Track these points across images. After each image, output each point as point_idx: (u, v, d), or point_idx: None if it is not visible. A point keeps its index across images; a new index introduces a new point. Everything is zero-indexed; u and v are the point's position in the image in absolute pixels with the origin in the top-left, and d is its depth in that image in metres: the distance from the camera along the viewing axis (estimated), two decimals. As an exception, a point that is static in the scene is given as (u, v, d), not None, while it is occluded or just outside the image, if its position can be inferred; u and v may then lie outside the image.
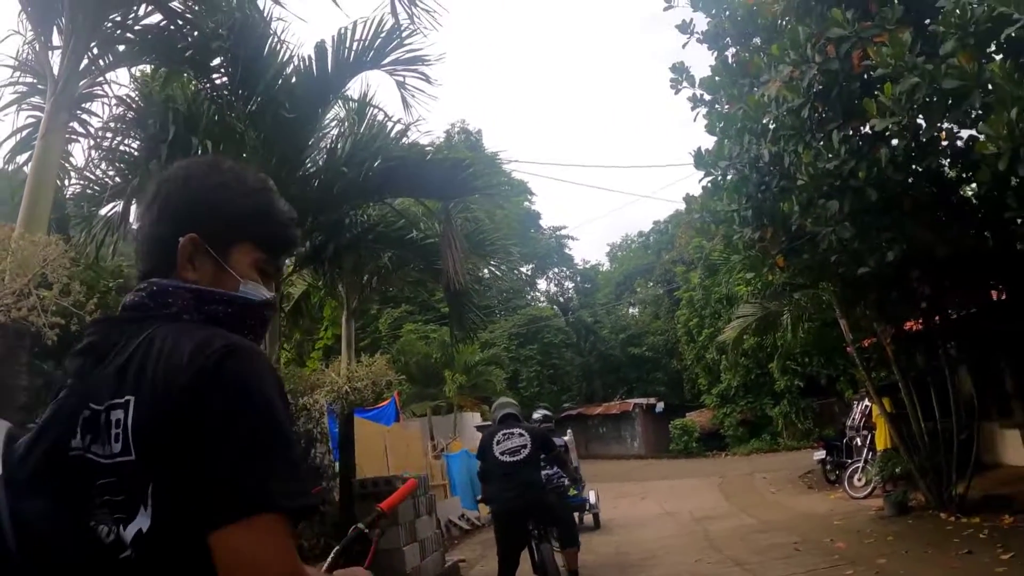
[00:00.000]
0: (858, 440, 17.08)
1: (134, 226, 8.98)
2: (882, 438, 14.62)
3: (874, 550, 10.26)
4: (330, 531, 11.40)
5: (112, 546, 1.35)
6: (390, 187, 8.55)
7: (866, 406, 16.99)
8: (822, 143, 8.21)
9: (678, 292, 39.47)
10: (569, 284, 53.23)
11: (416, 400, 27.94)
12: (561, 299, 51.48)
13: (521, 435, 7.84)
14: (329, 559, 2.59)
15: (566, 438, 16.69)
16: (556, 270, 51.98)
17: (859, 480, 15.82)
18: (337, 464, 10.69)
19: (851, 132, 8.24)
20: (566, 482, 9.86)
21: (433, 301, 38.85)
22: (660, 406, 41.16)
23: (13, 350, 4.62)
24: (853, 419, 18.12)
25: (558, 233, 51.17)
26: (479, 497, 9.21)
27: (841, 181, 8.09)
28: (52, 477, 1.38)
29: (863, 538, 11.23)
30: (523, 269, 48.93)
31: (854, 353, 13.55)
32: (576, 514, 14.88)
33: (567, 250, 51.95)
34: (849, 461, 17.32)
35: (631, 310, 55.38)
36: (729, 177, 9.24)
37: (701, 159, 9.24)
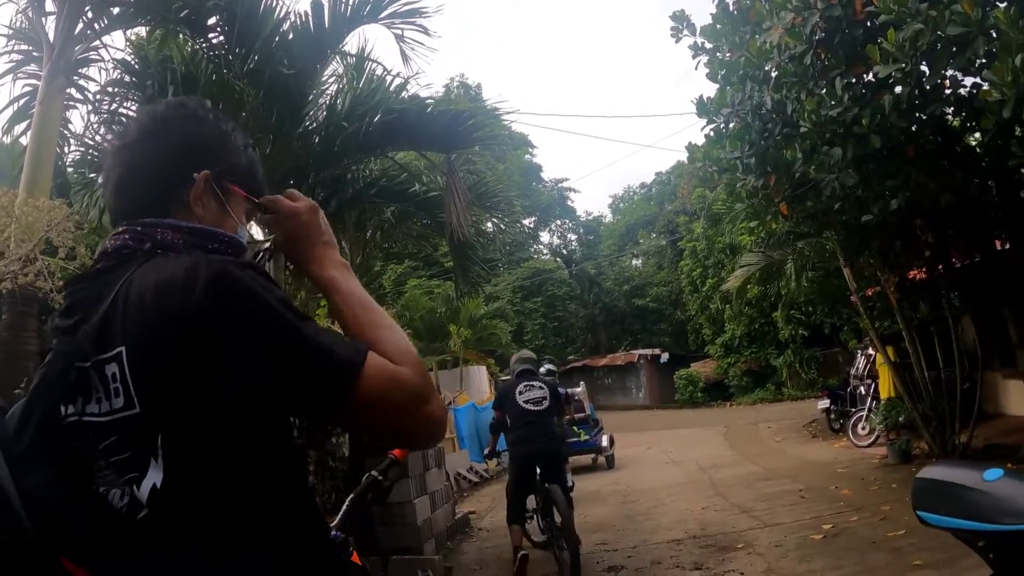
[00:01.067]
0: (862, 389, 17.09)
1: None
2: (886, 387, 14.65)
3: (878, 497, 10.35)
4: (340, 485, 11.53)
5: (128, 509, 1.30)
6: (391, 140, 8.48)
7: (870, 355, 16.99)
8: (825, 90, 8.13)
9: (681, 242, 39.41)
10: (572, 236, 53.15)
11: (422, 355, 27.85)
12: (564, 251, 51.48)
13: (541, 388, 8.41)
14: (345, 505, 2.64)
15: (579, 389, 19.78)
16: (559, 222, 51.89)
17: (863, 429, 15.86)
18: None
19: (854, 79, 8.14)
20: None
21: (437, 256, 39.01)
22: (665, 356, 41.38)
23: (22, 316, 4.62)
24: (857, 368, 18.15)
25: (560, 185, 51.06)
26: (487, 450, 9.51)
27: (844, 128, 8.03)
28: (51, 448, 1.31)
29: (867, 485, 11.33)
30: (526, 222, 48.90)
31: (858, 302, 13.54)
32: (592, 456, 18.14)
33: (569, 202, 51.96)
34: (853, 410, 17.33)
35: (634, 261, 55.35)
36: (731, 125, 9.16)
37: (703, 107, 9.16)
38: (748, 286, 16.93)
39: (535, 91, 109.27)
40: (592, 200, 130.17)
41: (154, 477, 1.28)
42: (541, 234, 51.62)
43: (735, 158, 8.86)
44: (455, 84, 49.40)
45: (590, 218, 57.34)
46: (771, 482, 12.94)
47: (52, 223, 4.53)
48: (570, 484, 9.39)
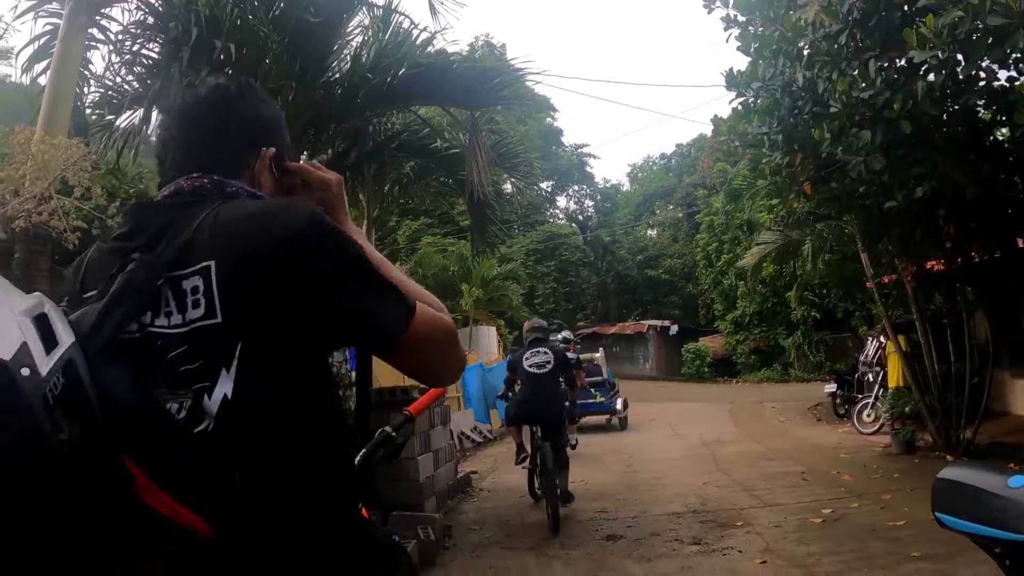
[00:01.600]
0: (870, 376, 17.06)
1: (153, 135, 8.95)
2: (894, 376, 14.57)
3: (880, 485, 10.34)
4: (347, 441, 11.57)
5: (186, 421, 1.36)
6: (416, 95, 8.35)
7: (880, 343, 16.92)
8: (857, 72, 7.99)
9: (699, 216, 39.23)
10: (589, 203, 52.82)
11: (433, 312, 28.04)
12: (580, 217, 51.20)
13: (546, 353, 9.39)
14: (356, 462, 2.60)
15: (597, 355, 22.02)
16: (576, 187, 51.51)
17: (868, 416, 15.83)
18: (353, 373, 10.77)
19: (887, 63, 8.00)
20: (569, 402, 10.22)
21: (453, 214, 38.97)
22: (675, 329, 41.36)
23: (34, 255, 4.58)
24: (867, 355, 18.08)
25: (580, 151, 50.63)
26: (500, 393, 10.65)
27: (874, 112, 7.90)
28: (121, 354, 1.33)
29: (869, 473, 11.32)
30: (543, 185, 48.74)
31: (873, 288, 13.45)
32: (606, 417, 19.56)
33: (588, 168, 51.53)
34: (860, 396, 17.30)
35: (649, 232, 55.19)
36: (760, 100, 9.02)
37: (733, 80, 9.00)
38: (763, 264, 16.79)
39: (559, 54, 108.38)
40: (611, 167, 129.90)
41: (224, 387, 1.36)
42: (558, 199, 51.48)
43: (762, 133, 8.72)
44: (480, 43, 48.88)
45: (608, 185, 57.11)
46: (773, 462, 12.93)
47: (68, 162, 4.47)
48: (573, 442, 10.51)
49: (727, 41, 9.26)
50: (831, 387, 19.30)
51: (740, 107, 9.31)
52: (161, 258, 1.42)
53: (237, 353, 1.36)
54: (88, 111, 8.44)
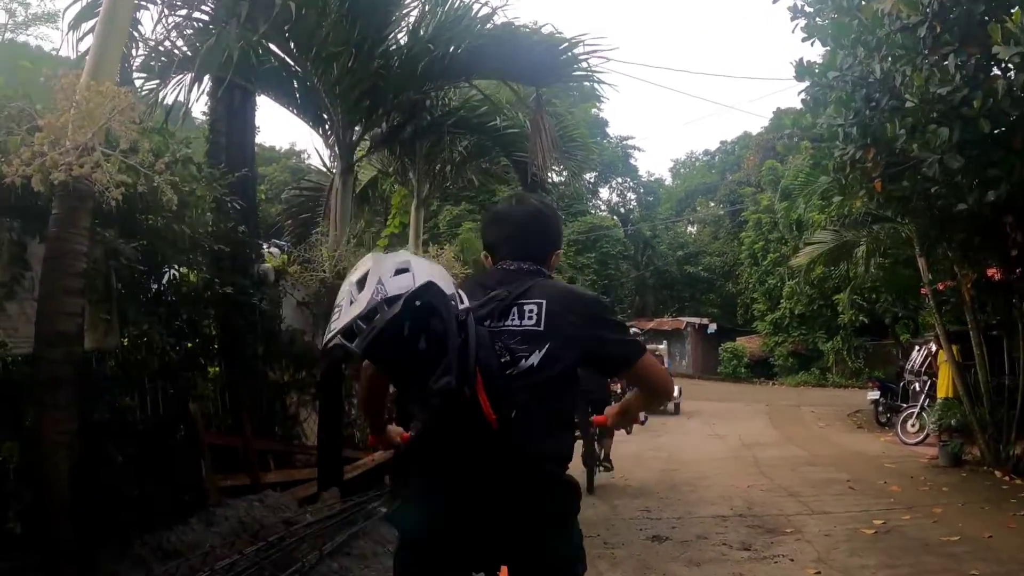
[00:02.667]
0: (916, 385, 16.66)
1: (199, 99, 8.83)
2: (944, 386, 14.13)
3: (929, 498, 10.05)
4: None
5: (508, 363, 2.43)
6: (477, 68, 8.02)
7: (929, 351, 16.50)
8: (935, 66, 7.62)
9: (745, 213, 38.46)
10: (631, 195, 52.23)
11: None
12: (622, 210, 50.66)
13: None
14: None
15: (662, 346, 25.33)
16: (619, 180, 50.87)
17: (912, 426, 15.48)
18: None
19: (968, 58, 7.63)
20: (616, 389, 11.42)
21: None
22: (713, 327, 40.86)
23: (74, 211, 4.35)
24: (913, 363, 17.67)
25: (625, 143, 49.96)
26: None
27: (951, 109, 7.54)
28: (484, 332, 2.37)
29: (917, 485, 11.02)
30: (587, 176, 48.23)
31: (929, 294, 13.04)
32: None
33: (632, 160, 50.78)
34: (904, 405, 16.97)
35: (689, 228, 54.74)
36: (835, 91, 8.65)
37: (803, 70, 8.60)
38: (815, 264, 16.36)
39: (611, 42, 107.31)
40: (655, 161, 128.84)
41: (533, 359, 2.46)
42: (600, 190, 50.85)
43: (837, 125, 8.29)
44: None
45: (652, 178, 56.50)
46: (816, 468, 12.64)
47: (115, 111, 4.20)
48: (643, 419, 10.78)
49: (792, 32, 8.91)
50: (874, 394, 18.90)
51: (810, 99, 8.93)
52: (512, 294, 2.55)
53: (546, 346, 2.48)
54: (135, 75, 8.25)
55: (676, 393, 20.11)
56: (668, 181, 61.45)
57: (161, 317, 6.88)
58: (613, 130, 49.46)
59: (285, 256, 9.30)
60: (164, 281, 7.01)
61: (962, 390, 12.63)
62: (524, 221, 2.75)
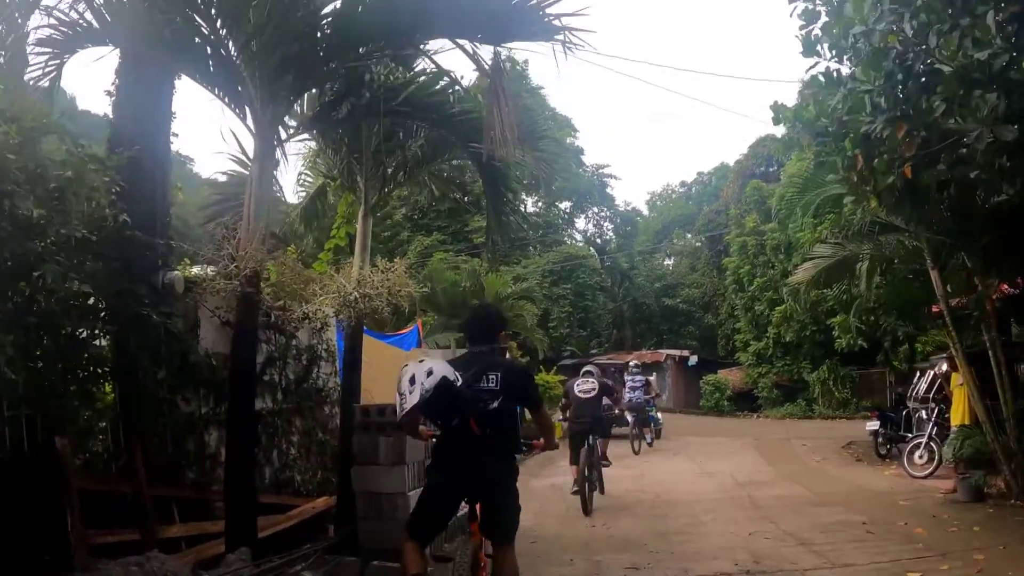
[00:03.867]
0: (923, 413, 15.32)
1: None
2: (959, 412, 12.75)
3: (962, 542, 8.70)
4: (328, 463, 9.93)
5: (486, 404, 5.16)
6: (424, 26, 6.52)
7: (936, 375, 15.18)
8: (971, 25, 6.29)
9: (729, 236, 37.02)
10: (608, 225, 50.95)
11: (441, 331, 26.39)
12: (598, 240, 49.42)
13: (592, 383, 12.53)
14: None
15: (652, 376, 27.18)
16: (596, 209, 49.59)
17: (920, 457, 14.14)
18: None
19: (1009, 16, 6.33)
20: (616, 411, 16.04)
21: (467, 232, 37.55)
22: (694, 359, 39.92)
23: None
24: (917, 390, 16.38)
25: (601, 171, 48.70)
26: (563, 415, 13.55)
27: (994, 75, 6.26)
28: (471, 390, 5.18)
29: (942, 525, 9.68)
30: (563, 206, 47.03)
31: (945, 311, 11.69)
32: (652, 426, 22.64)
33: (609, 189, 49.49)
34: (909, 436, 15.68)
35: (667, 261, 54.72)
36: (844, 65, 7.31)
37: (811, 44, 7.24)
38: (819, 279, 14.97)
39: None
40: (631, 192, 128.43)
41: (496, 403, 5.21)
42: (576, 220, 49.57)
43: (863, 91, 6.86)
44: (502, 58, 47.23)
45: (629, 208, 55.30)
46: (823, 509, 11.22)
47: None
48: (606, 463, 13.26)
49: (791, 16, 7.51)
50: (873, 425, 17.50)
51: (822, 77, 7.53)
52: (488, 365, 5.36)
53: (500, 398, 5.23)
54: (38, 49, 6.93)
55: (661, 417, 24.01)
56: (645, 212, 60.63)
57: (30, 329, 5.55)
58: (589, 159, 48.23)
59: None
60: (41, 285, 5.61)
61: (984, 416, 11.32)
62: (477, 321, 5.82)
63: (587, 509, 11.26)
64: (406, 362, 5.34)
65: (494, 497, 5.29)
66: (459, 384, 4.97)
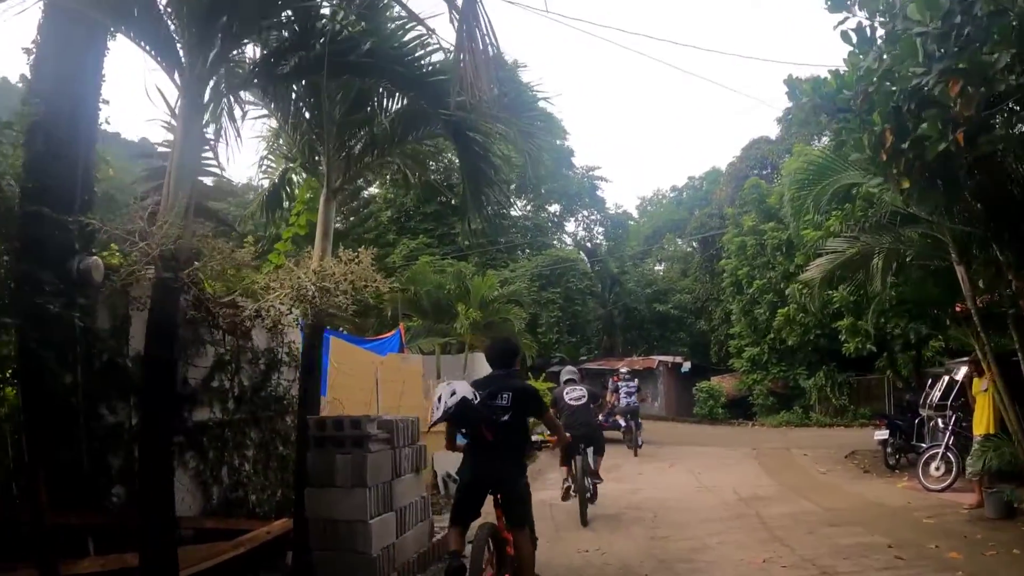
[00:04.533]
0: (939, 421, 14.27)
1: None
2: (983, 421, 11.62)
3: (1003, 567, 7.76)
4: (289, 479, 8.81)
5: (500, 419, 6.40)
6: None
7: (955, 381, 14.14)
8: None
9: (726, 236, 35.76)
10: (599, 229, 49.72)
11: (425, 335, 25.34)
12: (588, 244, 48.27)
13: (581, 391, 12.47)
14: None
15: (635, 381, 24.02)
16: (586, 212, 48.39)
17: (937, 469, 13.13)
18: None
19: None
20: (601, 419, 16.70)
21: (453, 235, 36.52)
22: (687, 366, 38.91)
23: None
24: (931, 397, 15.37)
25: (591, 173, 47.48)
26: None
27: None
28: (488, 405, 6.45)
29: (977, 547, 8.73)
30: (552, 209, 45.94)
31: (972, 309, 10.65)
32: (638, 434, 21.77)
33: (599, 192, 48.27)
34: (923, 445, 14.73)
35: (657, 267, 53.97)
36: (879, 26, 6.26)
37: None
38: (814, 286, 13.87)
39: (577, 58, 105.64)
40: (621, 196, 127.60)
41: (506, 416, 6.44)
42: (566, 224, 48.32)
43: (916, 32, 5.77)
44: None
45: (619, 210, 54.09)
46: (840, 529, 10.17)
47: None
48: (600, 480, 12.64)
49: None
50: (882, 434, 16.39)
51: (852, 32, 6.47)
52: (503, 387, 6.61)
53: (511, 412, 6.46)
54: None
55: (633, 429, 21.85)
56: (635, 216, 59.70)
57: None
58: (579, 160, 47.07)
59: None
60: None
61: (1014, 424, 10.31)
62: (496, 350, 7.10)
63: (584, 519, 11.22)
64: (445, 382, 6.78)
65: (506, 488, 6.53)
66: (476, 401, 6.33)
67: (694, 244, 47.25)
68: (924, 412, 15.71)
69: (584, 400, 12.23)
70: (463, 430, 6.68)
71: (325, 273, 7.25)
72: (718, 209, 43.03)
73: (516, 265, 36.70)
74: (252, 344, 8.80)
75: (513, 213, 42.59)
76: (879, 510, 11.61)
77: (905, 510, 11.45)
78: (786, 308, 29.55)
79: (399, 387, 13.11)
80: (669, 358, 39.56)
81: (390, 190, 37.04)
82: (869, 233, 11.77)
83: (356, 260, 7.47)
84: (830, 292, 17.49)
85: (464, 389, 6.32)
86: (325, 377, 11.36)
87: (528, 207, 44.64)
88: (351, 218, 37.97)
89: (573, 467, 11.75)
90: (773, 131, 44.30)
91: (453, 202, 39.61)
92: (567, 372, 13.25)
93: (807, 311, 23.79)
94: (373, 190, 42.63)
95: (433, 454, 14.22)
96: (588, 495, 11.66)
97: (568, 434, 9.30)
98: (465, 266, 29.04)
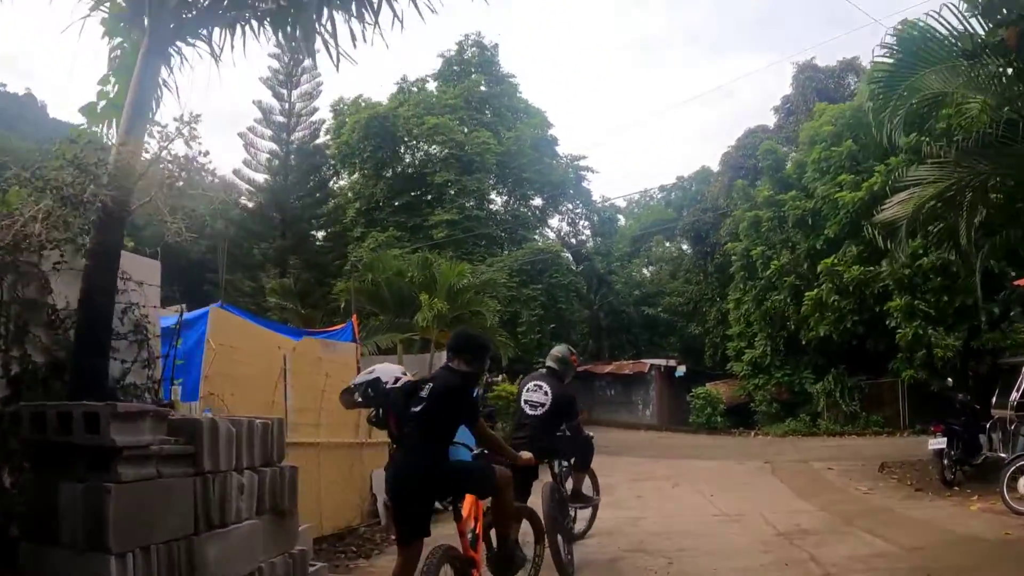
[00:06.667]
0: (1027, 426, 11.23)
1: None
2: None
3: None
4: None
5: (408, 408, 5.66)
6: None
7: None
8: None
9: (737, 212, 32.24)
10: (585, 224, 46.34)
11: (385, 330, 22.04)
12: (573, 240, 45.02)
13: (546, 393, 8.38)
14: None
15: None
16: (570, 205, 44.94)
17: (1027, 486, 10.21)
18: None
19: None
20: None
21: (426, 227, 33.49)
22: (681, 369, 35.80)
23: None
24: (1012, 395, 12.30)
25: (576, 163, 43.97)
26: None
27: None
28: (407, 397, 5.77)
29: None
30: (535, 202, 42.68)
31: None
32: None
33: (586, 183, 44.84)
34: (1005, 456, 11.80)
35: (645, 271, 51.69)
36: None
37: None
38: (900, 227, 10.48)
39: (558, 60, 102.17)
40: (609, 190, 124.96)
41: (416, 407, 5.63)
42: (550, 219, 44.91)
43: None
44: (469, 42, 42.81)
45: (607, 204, 50.62)
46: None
47: None
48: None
49: None
50: (939, 443, 13.19)
51: None
52: (432, 379, 5.88)
53: (424, 404, 5.60)
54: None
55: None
56: (622, 221, 56.79)
57: None
58: (564, 148, 43.68)
59: None
60: None
61: None
62: (451, 341, 6.15)
63: (565, 573, 7.45)
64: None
65: (436, 485, 5.63)
66: (389, 386, 6.47)
67: (684, 246, 45.01)
68: (996, 413, 12.78)
69: (542, 410, 8.25)
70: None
71: (130, 151, 4.10)
72: (713, 204, 39.96)
73: (494, 259, 33.48)
74: (50, 297, 5.20)
75: (492, 208, 39.74)
76: (976, 546, 8.57)
77: (1004, 545, 8.54)
78: (814, 290, 26.08)
79: (320, 382, 9.73)
80: (662, 361, 36.67)
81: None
82: (969, 156, 8.51)
83: (190, 130, 4.30)
84: (872, 268, 14.14)
85: (385, 370, 6.65)
86: (199, 366, 8.14)
87: (509, 200, 41.60)
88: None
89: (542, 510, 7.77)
90: (772, 119, 41.37)
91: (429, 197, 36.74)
92: (551, 356, 9.05)
93: (844, 293, 19.98)
94: (342, 182, 39.81)
95: (371, 472, 10.99)
96: (570, 524, 8.44)
97: (525, 452, 6.78)
98: (434, 254, 25.88)
